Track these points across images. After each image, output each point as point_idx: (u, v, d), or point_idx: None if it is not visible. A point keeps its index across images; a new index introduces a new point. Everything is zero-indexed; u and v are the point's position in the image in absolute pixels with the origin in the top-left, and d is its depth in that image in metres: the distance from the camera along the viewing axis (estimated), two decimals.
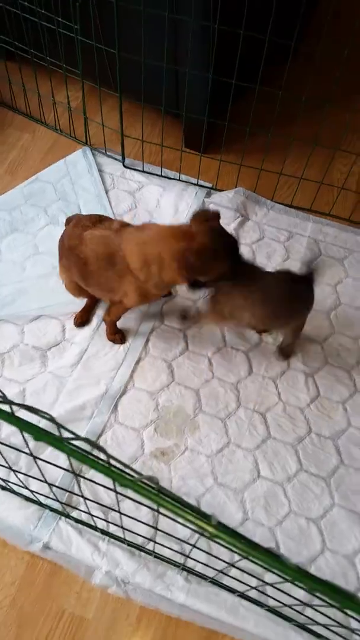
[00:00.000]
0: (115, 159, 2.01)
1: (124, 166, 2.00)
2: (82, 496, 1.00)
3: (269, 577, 1.09)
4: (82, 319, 1.62)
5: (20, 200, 1.89)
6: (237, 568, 1.01)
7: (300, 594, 1.12)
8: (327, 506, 1.36)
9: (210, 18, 1.45)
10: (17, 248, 1.79)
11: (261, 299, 1.31)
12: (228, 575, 1.11)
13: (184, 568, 1.24)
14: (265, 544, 1.29)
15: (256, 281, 1.31)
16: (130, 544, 1.25)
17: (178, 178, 1.95)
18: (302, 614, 1.13)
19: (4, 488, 1.32)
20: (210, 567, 1.12)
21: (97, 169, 1.99)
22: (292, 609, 1.13)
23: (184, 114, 1.78)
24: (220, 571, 1.09)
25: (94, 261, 1.34)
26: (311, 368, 1.57)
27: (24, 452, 0.92)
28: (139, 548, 1.26)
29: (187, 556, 1.07)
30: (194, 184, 1.94)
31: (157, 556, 1.24)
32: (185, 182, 1.95)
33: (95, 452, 0.63)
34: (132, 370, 1.55)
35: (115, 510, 1.11)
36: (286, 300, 1.33)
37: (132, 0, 1.44)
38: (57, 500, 1.17)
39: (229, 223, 1.84)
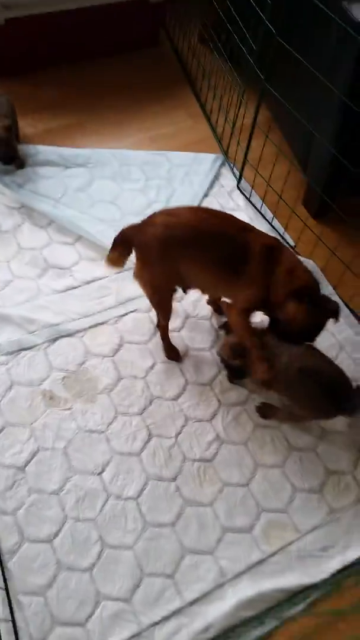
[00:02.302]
0: (236, 177, 2.10)
1: (237, 187, 2.08)
2: None
3: None
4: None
5: (136, 162, 2.09)
6: None
7: None
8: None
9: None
10: (102, 192, 2.00)
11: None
12: None
13: None
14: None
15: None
16: None
17: (270, 221, 1.97)
18: None
19: None
20: None
21: (214, 176, 2.09)
22: None
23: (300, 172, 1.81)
24: None
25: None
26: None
27: None
28: None
29: None
30: (279, 234, 1.94)
31: None
32: (274, 227, 1.96)
33: None
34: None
35: None
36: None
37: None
38: None
39: None
